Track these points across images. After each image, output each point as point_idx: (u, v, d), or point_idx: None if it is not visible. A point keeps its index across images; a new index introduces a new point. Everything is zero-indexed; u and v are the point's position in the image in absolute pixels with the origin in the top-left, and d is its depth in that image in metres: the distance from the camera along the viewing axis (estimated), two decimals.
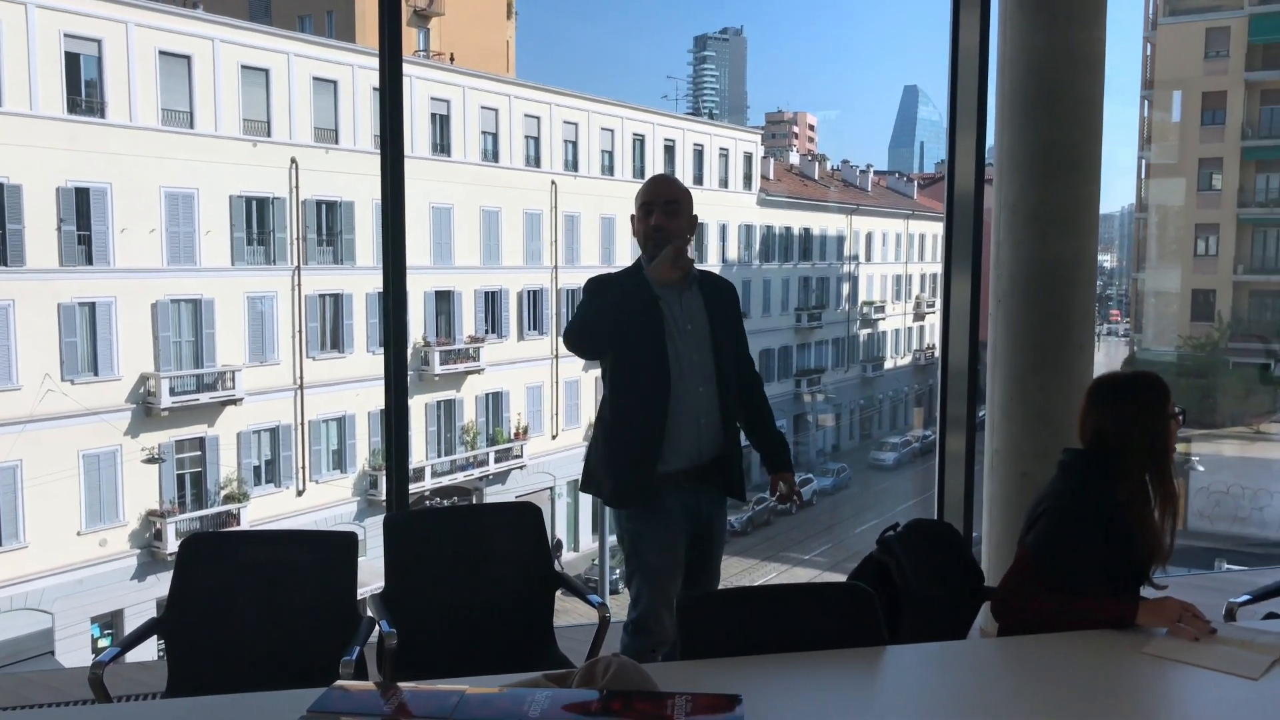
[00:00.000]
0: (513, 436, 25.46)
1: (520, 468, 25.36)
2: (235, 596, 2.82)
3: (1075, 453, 2.68)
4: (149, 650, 3.81)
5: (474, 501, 24.06)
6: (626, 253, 28.31)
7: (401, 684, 1.86)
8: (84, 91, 18.61)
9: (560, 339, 3.04)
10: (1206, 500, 22.89)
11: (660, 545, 3.12)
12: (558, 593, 3.22)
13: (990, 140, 4.65)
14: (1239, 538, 22.26)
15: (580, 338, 3.07)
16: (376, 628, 2.81)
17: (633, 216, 3.22)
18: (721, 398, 3.17)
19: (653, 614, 3.10)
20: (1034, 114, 4.28)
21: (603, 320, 3.05)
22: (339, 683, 1.85)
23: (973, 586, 2.95)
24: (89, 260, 18.51)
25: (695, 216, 3.24)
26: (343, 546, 2.87)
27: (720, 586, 3.38)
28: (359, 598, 2.94)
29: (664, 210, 3.13)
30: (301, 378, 21.36)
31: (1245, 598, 2.93)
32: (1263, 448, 26.18)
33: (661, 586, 3.11)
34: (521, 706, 1.76)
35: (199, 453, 20.14)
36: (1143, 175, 31.70)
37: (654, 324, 3.09)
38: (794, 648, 2.21)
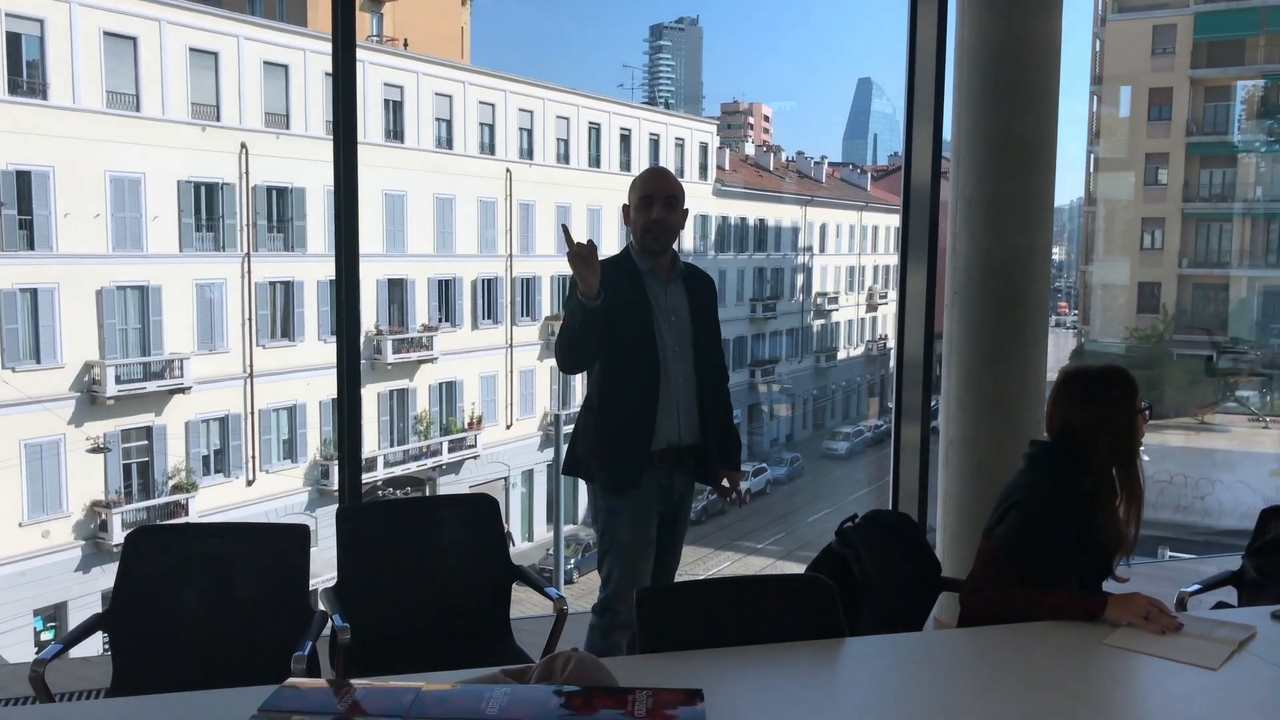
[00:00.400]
0: (466, 426, 25.31)
1: (474, 458, 25.21)
2: (183, 590, 2.75)
3: (1043, 445, 2.69)
4: (93, 644, 3.72)
5: (427, 492, 23.89)
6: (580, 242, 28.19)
7: (355, 681, 1.81)
8: (25, 73, 18.13)
9: (545, 337, 3.07)
10: (1151, 489, 23.22)
11: (635, 522, 3.21)
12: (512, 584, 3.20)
13: (947, 131, 4.66)
14: (1182, 526, 22.73)
15: (569, 356, 3.16)
16: (329, 622, 2.75)
17: (625, 207, 3.25)
18: (699, 387, 3.28)
19: (622, 595, 3.15)
20: (992, 104, 4.30)
21: (588, 340, 3.08)
22: (291, 680, 1.80)
23: (930, 577, 2.96)
24: (30, 245, 18.07)
25: (686, 210, 3.32)
26: (295, 538, 2.81)
27: (676, 575, 3.50)
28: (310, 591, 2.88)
29: (664, 204, 3.19)
30: (251, 366, 21.05)
31: (1195, 587, 2.97)
32: (1207, 438, 26.75)
33: (633, 565, 3.20)
34: (479, 704, 1.72)
35: (146, 442, 19.78)
36: (1091, 169, 32.18)
37: (644, 314, 3.18)
38: (754, 640, 2.20)
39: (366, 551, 3.03)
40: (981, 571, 2.51)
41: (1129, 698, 2.06)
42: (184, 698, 1.95)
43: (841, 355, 39.40)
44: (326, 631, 2.77)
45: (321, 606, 2.86)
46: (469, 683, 1.88)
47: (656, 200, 3.18)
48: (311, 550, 2.86)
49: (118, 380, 18.99)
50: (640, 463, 3.19)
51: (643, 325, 3.17)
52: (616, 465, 3.21)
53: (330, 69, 4.18)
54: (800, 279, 37.63)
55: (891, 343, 41.49)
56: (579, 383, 27.87)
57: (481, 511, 3.18)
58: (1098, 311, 31.08)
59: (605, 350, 3.16)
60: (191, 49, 20.10)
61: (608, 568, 3.26)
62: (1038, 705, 1.99)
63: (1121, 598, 2.38)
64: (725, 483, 3.43)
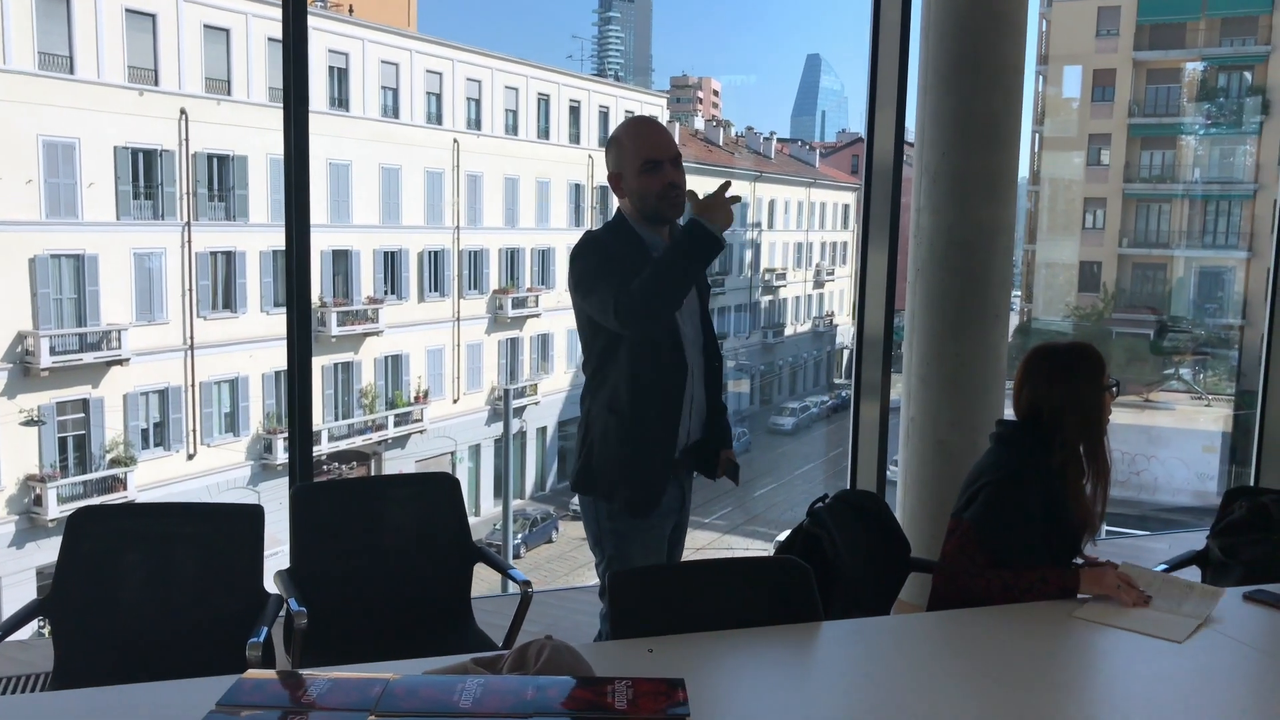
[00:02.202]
0: (412, 400, 25.04)
1: (420, 432, 24.96)
2: (129, 574, 2.63)
3: (1011, 424, 2.67)
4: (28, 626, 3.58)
5: (372, 466, 23.65)
6: (531, 214, 27.99)
7: (318, 671, 1.73)
8: None
9: (611, 310, 2.58)
10: None
11: (650, 547, 2.82)
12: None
13: (911, 107, 4.63)
14: (1119, 500, 23.23)
15: (661, 305, 2.62)
16: (284, 606, 2.65)
17: (615, 176, 2.83)
18: (709, 374, 2.93)
19: None
20: (958, 79, 4.26)
21: (687, 290, 2.65)
22: (250, 672, 1.71)
23: (900, 558, 2.93)
24: None
25: None
26: (248, 519, 2.70)
27: None
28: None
29: (674, 164, 2.79)
30: (192, 337, 20.59)
31: (1162, 567, 2.97)
32: (1150, 415, 27.31)
33: None
34: (451, 695, 1.64)
35: (82, 415, 19.28)
36: (1036, 149, 32.55)
37: None
38: (730, 624, 2.15)
39: (322, 532, 2.93)
40: (955, 556, 2.48)
41: (1100, 677, 2.05)
42: (136, 690, 1.85)
43: (789, 331, 39.59)
44: (281, 615, 2.67)
45: (275, 589, 2.76)
46: (439, 672, 1.81)
47: (664, 161, 2.76)
48: None
49: (52, 351, 18.46)
50: (664, 478, 2.80)
51: None
52: (639, 482, 2.77)
53: (275, 34, 4.04)
54: (749, 255, 37.71)
55: (839, 319, 41.85)
56: (526, 356, 27.74)
57: (442, 491, 3.09)
58: (1040, 289, 31.52)
59: (633, 340, 2.73)
60: (128, 10, 19.46)
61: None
62: (1013, 685, 1.98)
63: (1093, 572, 2.39)
64: (726, 463, 3.01)
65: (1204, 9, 30.54)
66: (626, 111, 31.78)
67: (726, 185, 2.72)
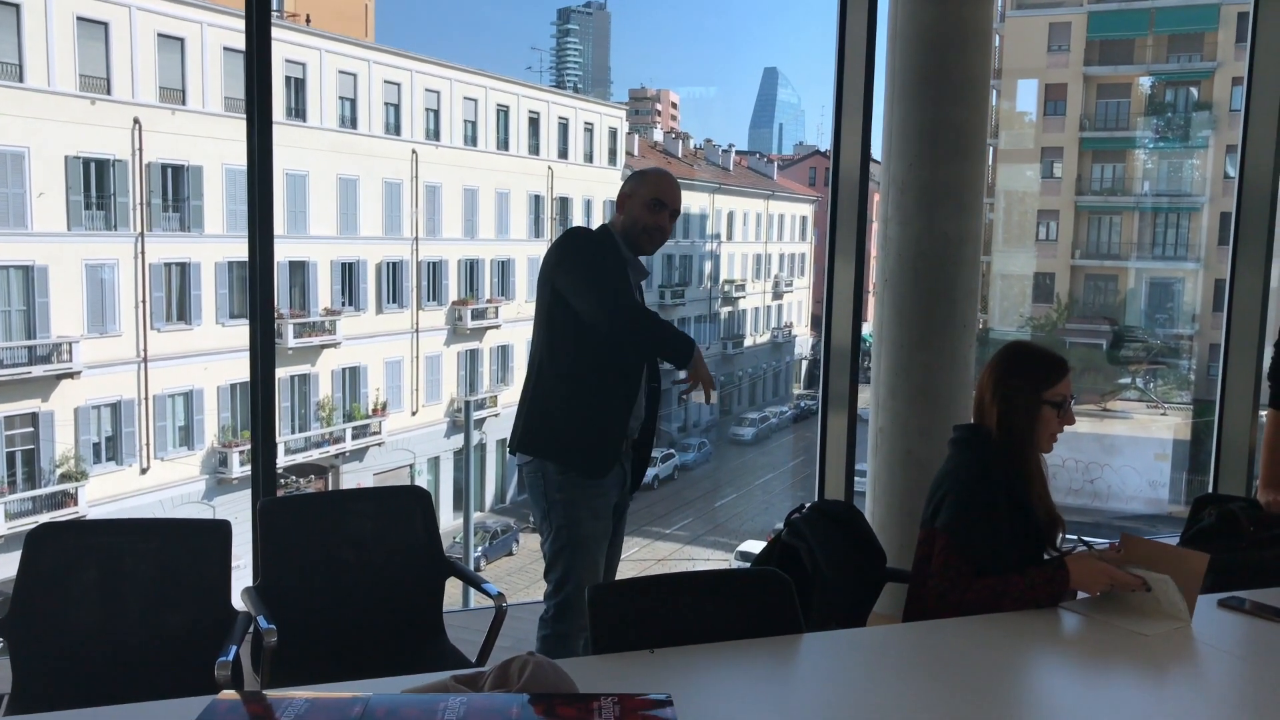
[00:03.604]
0: (371, 413, 24.81)
1: (379, 445, 24.73)
2: (92, 592, 2.55)
3: (966, 427, 2.66)
4: None
5: (330, 480, 23.39)
6: (490, 225, 27.87)
7: (293, 690, 1.68)
8: None
9: (604, 313, 3.01)
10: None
11: (597, 513, 3.08)
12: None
13: (877, 119, 4.65)
14: (1073, 509, 23.52)
15: (640, 334, 3.06)
16: (252, 624, 2.59)
17: (625, 196, 3.20)
18: (650, 372, 3.26)
19: (582, 593, 2.93)
20: (924, 91, 4.29)
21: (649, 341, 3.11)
22: (224, 693, 1.66)
23: (876, 569, 2.92)
24: None
25: None
26: (215, 536, 2.63)
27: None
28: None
29: (673, 215, 3.21)
30: (145, 350, 20.25)
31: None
32: (1108, 424, 27.66)
33: (592, 559, 3.05)
34: (434, 714, 1.60)
35: (31, 429, 18.88)
36: (991, 161, 32.98)
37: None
38: (711, 637, 2.13)
39: (290, 547, 2.86)
40: (939, 575, 2.46)
41: (1079, 686, 2.04)
42: (102, 714, 1.78)
43: (748, 342, 39.74)
44: (249, 633, 2.61)
45: (243, 607, 2.69)
46: (419, 690, 1.77)
47: (667, 208, 3.17)
48: None
49: (0, 365, 18.08)
50: (619, 444, 3.13)
51: None
52: (598, 448, 3.08)
53: (231, 44, 4.00)
54: (708, 266, 37.82)
55: (797, 330, 42.07)
56: (486, 367, 27.60)
57: (412, 504, 3.05)
58: (996, 300, 31.90)
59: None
60: (79, 18, 19.17)
61: (564, 566, 3.04)
62: (996, 696, 1.98)
63: (1081, 563, 2.38)
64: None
65: (1151, 26, 31.14)
66: (586, 123, 31.83)
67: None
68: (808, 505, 2.86)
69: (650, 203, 3.15)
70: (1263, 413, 3.49)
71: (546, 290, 3.07)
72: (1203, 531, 3.05)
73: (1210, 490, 5.40)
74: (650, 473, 3.50)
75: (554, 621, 3.02)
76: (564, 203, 29.92)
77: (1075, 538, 2.72)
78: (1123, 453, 26.31)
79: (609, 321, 2.96)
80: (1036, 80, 31.67)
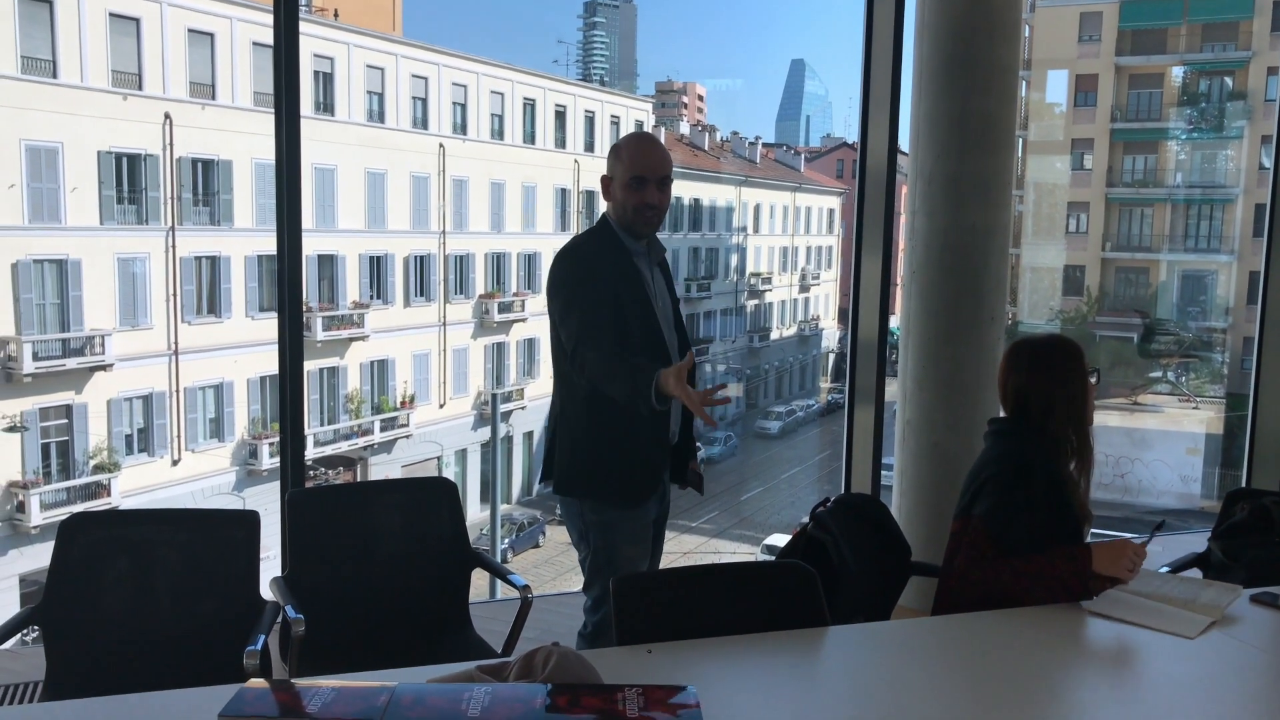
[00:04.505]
0: (398, 405, 24.95)
1: (406, 437, 24.87)
2: (123, 581, 2.59)
3: (1004, 420, 2.66)
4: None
5: (358, 472, 23.55)
6: (517, 219, 27.93)
7: (320, 679, 1.70)
8: None
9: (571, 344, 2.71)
10: None
11: (635, 537, 2.86)
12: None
13: (905, 110, 4.61)
14: (1103, 503, 23.32)
15: (600, 383, 2.66)
16: (280, 614, 2.61)
17: (606, 179, 2.87)
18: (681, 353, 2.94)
19: None
20: (952, 81, 4.25)
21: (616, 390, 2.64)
22: (252, 681, 1.68)
23: (902, 562, 2.91)
24: None
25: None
26: (244, 526, 2.66)
27: None
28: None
29: (659, 185, 2.84)
30: (176, 343, 20.46)
31: (1164, 569, 2.96)
32: (1139, 417, 27.41)
33: None
34: (459, 704, 1.61)
35: (65, 421, 19.13)
36: (1021, 153, 32.71)
37: (648, 307, 2.84)
38: (736, 630, 2.13)
39: (318, 538, 2.89)
40: (965, 554, 2.45)
41: (1107, 681, 2.03)
42: (133, 700, 1.80)
43: (774, 335, 39.62)
44: (277, 622, 2.63)
45: (271, 596, 2.72)
46: (444, 680, 1.78)
47: (650, 182, 2.81)
48: None
49: (35, 357, 18.31)
50: (661, 469, 2.88)
51: (649, 318, 2.83)
52: (632, 474, 2.82)
53: (260, 38, 4.02)
54: (735, 259, 37.73)
55: (824, 323, 41.89)
56: (512, 360, 27.68)
57: (439, 495, 3.06)
58: (1026, 293, 31.64)
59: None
60: (111, 14, 19.35)
61: (603, 586, 2.80)
62: (1022, 690, 1.97)
63: (1105, 546, 2.37)
64: (691, 474, 3.14)
65: (1185, 15, 30.74)
66: (612, 117, 31.80)
67: (721, 387, 2.68)
68: (832, 499, 2.85)
69: (630, 182, 2.81)
70: None
71: (550, 314, 2.85)
72: (1235, 526, 3.02)
73: (1243, 485, 5.34)
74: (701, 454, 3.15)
75: (592, 638, 2.89)
76: (590, 196, 29.91)
77: (1099, 532, 2.71)
78: (1154, 447, 26.06)
79: (573, 364, 2.70)
80: (1067, 71, 31.34)
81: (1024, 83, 31.70)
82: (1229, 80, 30.08)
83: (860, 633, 2.26)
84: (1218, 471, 25.02)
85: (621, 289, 2.79)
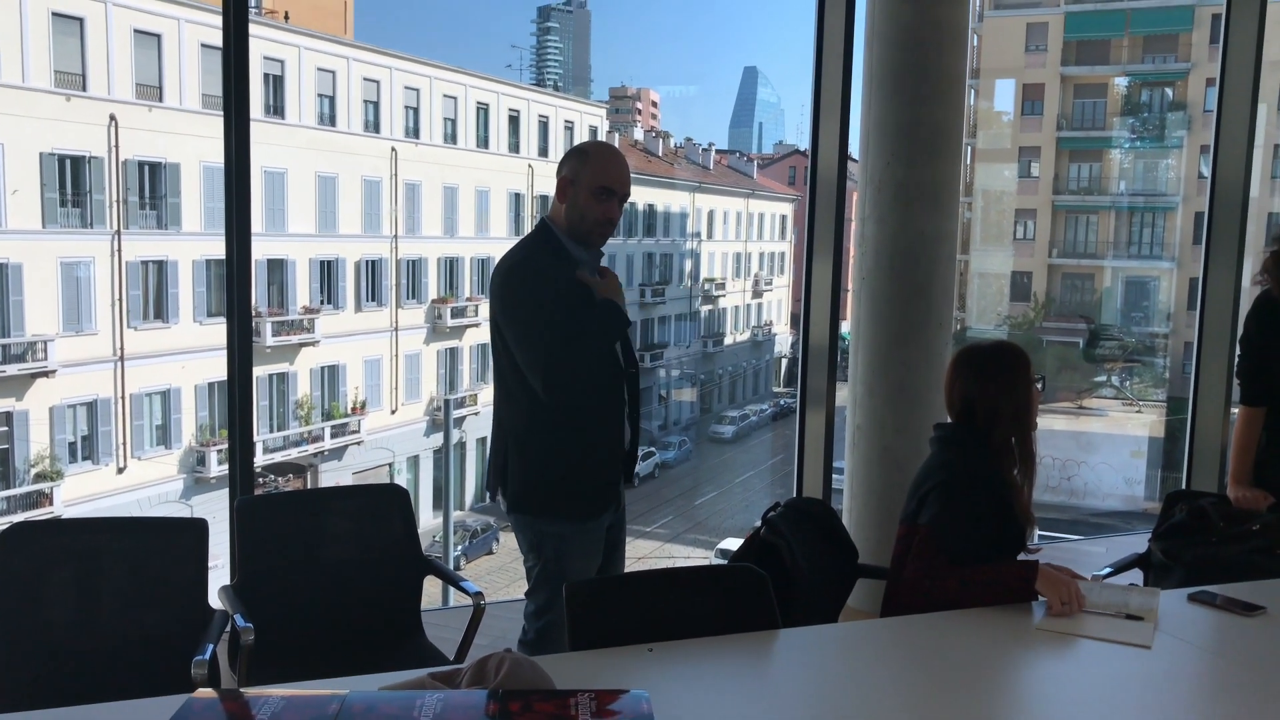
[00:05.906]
0: (350, 411, 24.71)
1: (358, 443, 24.63)
2: (67, 592, 2.54)
3: (949, 425, 2.70)
4: None
5: (308, 479, 23.28)
6: (470, 223, 27.80)
7: (269, 688, 1.68)
8: None
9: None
10: None
11: (587, 551, 2.82)
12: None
13: (855, 118, 4.67)
14: (1050, 505, 23.70)
15: (582, 373, 2.69)
16: (229, 623, 2.58)
17: (566, 181, 2.80)
18: (630, 382, 2.92)
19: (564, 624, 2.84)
20: (902, 89, 4.31)
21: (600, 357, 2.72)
22: (200, 691, 1.66)
23: (849, 564, 2.94)
24: None
25: None
26: (191, 533, 2.63)
27: None
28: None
29: (621, 201, 2.82)
30: (122, 349, 20.11)
31: (1106, 570, 3.02)
32: (1084, 421, 27.86)
33: None
34: (410, 711, 1.61)
35: (6, 428, 18.72)
36: (969, 161, 33.16)
37: (592, 310, 2.79)
38: (687, 633, 2.13)
39: (267, 546, 2.86)
40: (915, 564, 2.48)
41: (1053, 681, 2.07)
42: (80, 712, 1.78)
43: (728, 340, 39.80)
44: (226, 631, 2.60)
45: (220, 605, 2.68)
46: (396, 687, 1.77)
47: (616, 196, 2.79)
48: None
49: None
50: (615, 482, 2.85)
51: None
52: (590, 490, 2.80)
53: (208, 40, 3.98)
54: (689, 265, 37.85)
55: (777, 328, 42.15)
56: (466, 365, 27.53)
57: (391, 503, 3.04)
58: (974, 299, 32.07)
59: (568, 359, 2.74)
60: (54, 13, 19.00)
61: (548, 594, 2.77)
62: (973, 691, 2.00)
63: (1053, 576, 2.39)
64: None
65: (1128, 27, 31.38)
66: (566, 122, 31.78)
67: (606, 271, 2.88)
68: (782, 503, 2.87)
69: (598, 191, 2.76)
70: (1234, 410, 3.54)
71: (495, 331, 2.79)
72: (1174, 527, 3.08)
73: (1183, 487, 5.46)
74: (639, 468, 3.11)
75: (534, 645, 2.84)
76: (544, 201, 29.86)
77: (1046, 534, 2.76)
78: (1099, 450, 26.50)
79: (546, 391, 2.66)
80: (1014, 80, 31.86)
81: (972, 91, 32.17)
82: (1169, 91, 30.74)
83: (812, 635, 2.28)
84: (1160, 474, 25.52)
85: (574, 303, 2.74)
